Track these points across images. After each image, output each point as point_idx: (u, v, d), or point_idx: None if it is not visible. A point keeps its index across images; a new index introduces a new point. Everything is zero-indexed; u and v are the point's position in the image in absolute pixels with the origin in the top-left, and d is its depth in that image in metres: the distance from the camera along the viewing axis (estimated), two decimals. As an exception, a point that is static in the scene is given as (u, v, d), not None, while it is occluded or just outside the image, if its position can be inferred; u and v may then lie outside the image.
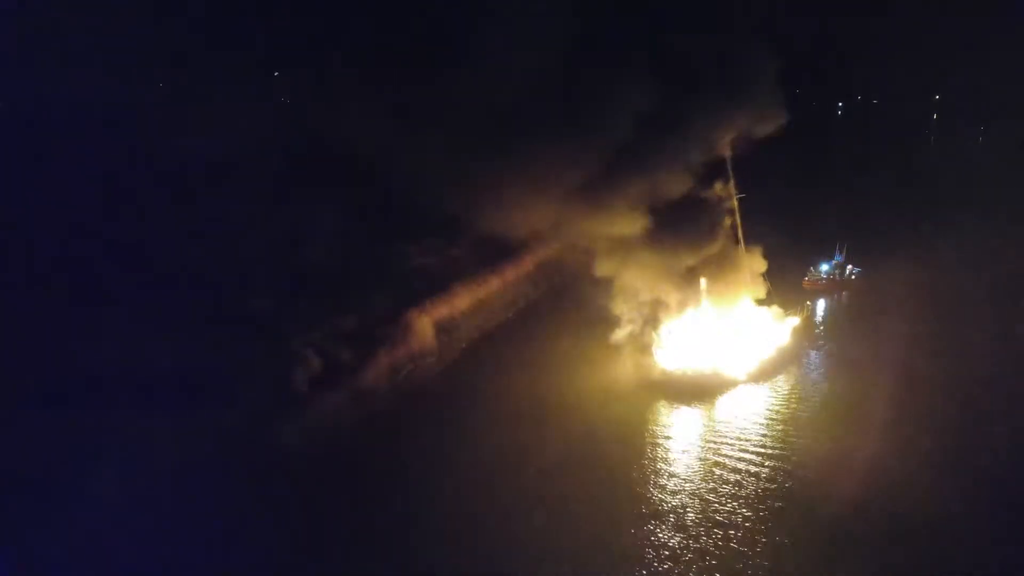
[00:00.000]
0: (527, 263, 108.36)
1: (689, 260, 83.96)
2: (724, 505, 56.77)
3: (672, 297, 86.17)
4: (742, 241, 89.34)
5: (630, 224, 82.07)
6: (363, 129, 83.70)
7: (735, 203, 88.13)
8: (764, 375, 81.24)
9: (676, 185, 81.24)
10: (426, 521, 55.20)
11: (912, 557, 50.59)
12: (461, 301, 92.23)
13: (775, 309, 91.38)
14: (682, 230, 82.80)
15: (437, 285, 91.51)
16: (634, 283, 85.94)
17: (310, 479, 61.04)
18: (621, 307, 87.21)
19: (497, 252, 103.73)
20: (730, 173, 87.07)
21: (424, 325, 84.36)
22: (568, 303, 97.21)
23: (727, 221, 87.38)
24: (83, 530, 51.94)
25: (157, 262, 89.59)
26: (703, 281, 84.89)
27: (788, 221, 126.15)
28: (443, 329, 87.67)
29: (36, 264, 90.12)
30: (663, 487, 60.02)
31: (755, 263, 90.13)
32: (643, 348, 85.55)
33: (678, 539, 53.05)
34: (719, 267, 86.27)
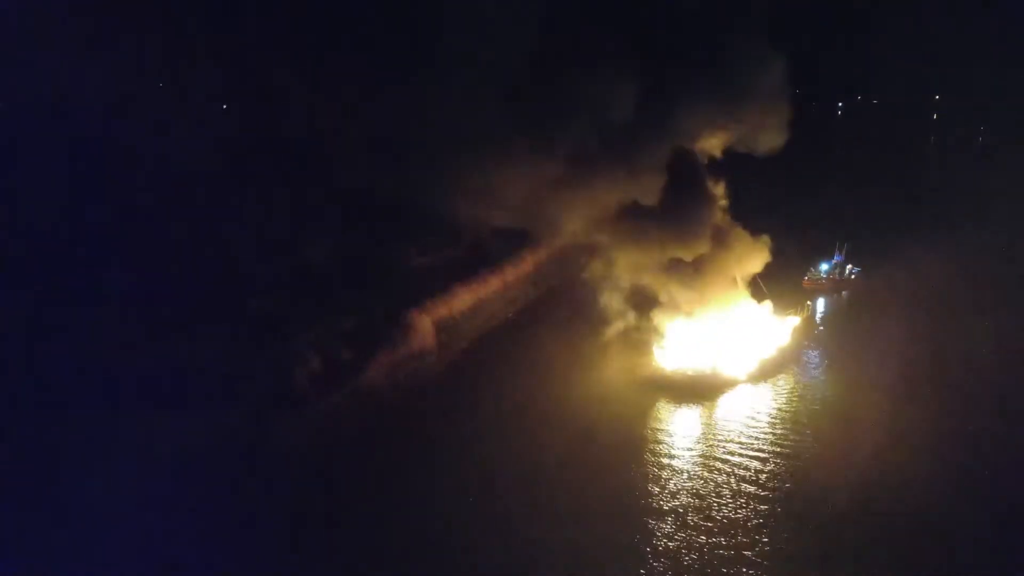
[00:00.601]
0: (527, 263, 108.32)
1: (675, 254, 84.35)
2: (725, 506, 56.73)
3: (664, 293, 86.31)
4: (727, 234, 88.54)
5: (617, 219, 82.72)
6: (356, 126, 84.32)
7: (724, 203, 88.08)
8: (764, 375, 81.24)
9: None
10: (426, 520, 55.20)
11: (913, 557, 50.65)
12: (461, 301, 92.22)
13: (767, 304, 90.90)
14: (669, 224, 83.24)
15: (437, 285, 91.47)
16: (624, 276, 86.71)
17: (310, 478, 61.14)
18: (610, 301, 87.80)
19: (497, 252, 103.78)
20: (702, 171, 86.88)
21: (424, 324, 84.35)
22: (568, 303, 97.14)
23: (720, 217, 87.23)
24: (83, 530, 52.00)
25: (158, 262, 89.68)
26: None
27: (788, 221, 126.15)
28: (443, 328, 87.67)
29: (36, 264, 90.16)
30: (664, 488, 59.95)
31: (751, 262, 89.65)
32: (642, 347, 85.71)
33: (679, 540, 53.06)
34: (709, 266, 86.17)
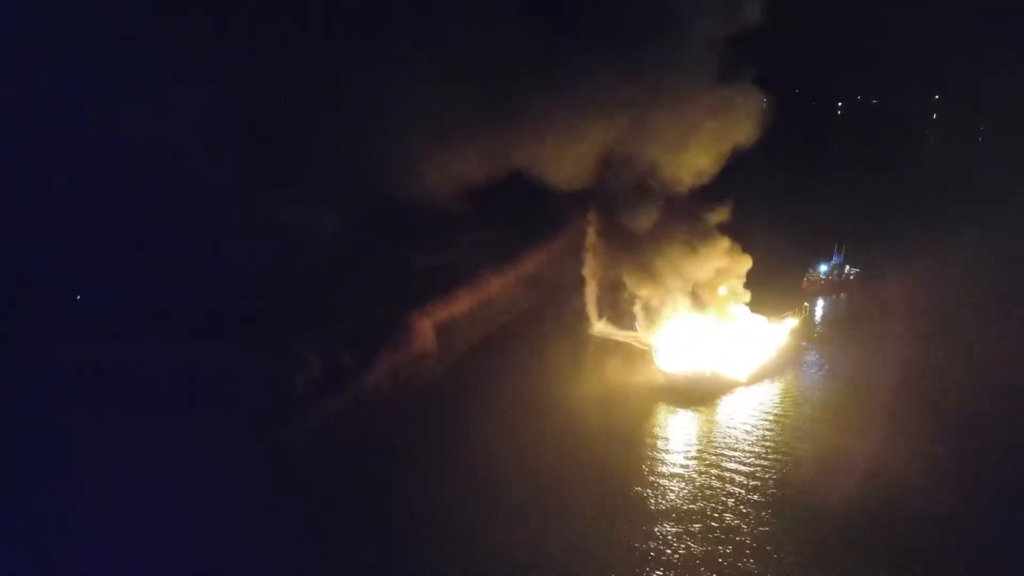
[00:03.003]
0: (528, 264, 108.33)
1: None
2: (727, 511, 56.86)
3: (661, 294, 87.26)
4: None
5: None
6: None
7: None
8: (764, 377, 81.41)
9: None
10: (426, 524, 55.40)
11: (914, 560, 50.92)
12: (462, 303, 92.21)
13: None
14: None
15: (438, 287, 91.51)
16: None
17: (310, 482, 61.24)
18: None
19: (498, 254, 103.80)
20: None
21: (425, 327, 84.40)
22: (568, 305, 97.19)
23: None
24: (83, 531, 52.18)
25: (158, 263, 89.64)
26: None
27: (787, 222, 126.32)
28: (444, 331, 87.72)
29: (36, 265, 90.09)
30: (664, 493, 60.04)
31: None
32: (642, 350, 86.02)
33: (680, 545, 53.16)
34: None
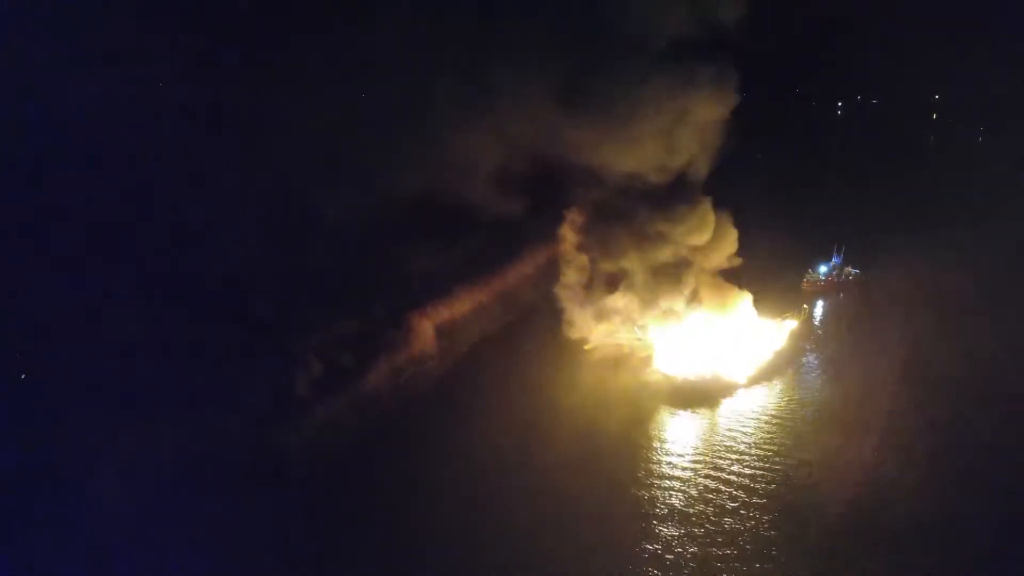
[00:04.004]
0: (528, 265, 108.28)
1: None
2: (728, 514, 56.87)
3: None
4: None
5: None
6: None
7: None
8: (764, 378, 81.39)
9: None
10: (427, 524, 55.50)
11: (913, 562, 51.00)
12: (462, 304, 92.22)
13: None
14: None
15: (438, 288, 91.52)
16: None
17: (311, 482, 61.33)
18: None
19: (497, 255, 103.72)
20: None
21: (425, 328, 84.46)
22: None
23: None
24: (83, 531, 52.29)
25: (159, 265, 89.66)
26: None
27: (787, 223, 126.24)
28: (444, 332, 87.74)
29: (39, 266, 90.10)
30: (665, 495, 60.01)
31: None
32: (643, 352, 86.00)
33: (682, 549, 53.18)
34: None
